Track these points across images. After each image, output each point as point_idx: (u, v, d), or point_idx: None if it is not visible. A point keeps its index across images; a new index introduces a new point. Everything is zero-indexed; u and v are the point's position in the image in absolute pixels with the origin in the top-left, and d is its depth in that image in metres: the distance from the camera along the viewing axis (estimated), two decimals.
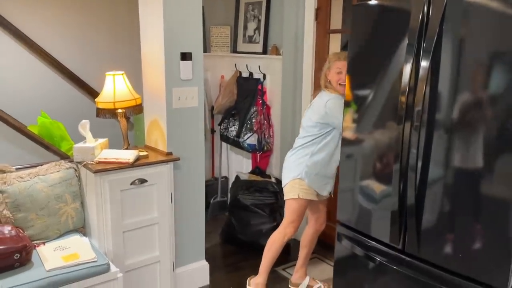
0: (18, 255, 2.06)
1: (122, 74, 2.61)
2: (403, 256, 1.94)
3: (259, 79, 3.72)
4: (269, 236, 3.38)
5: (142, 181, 2.52)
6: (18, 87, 3.24)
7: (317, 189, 2.66)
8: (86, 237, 2.52)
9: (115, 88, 2.54)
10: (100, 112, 2.58)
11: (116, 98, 2.53)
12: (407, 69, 1.81)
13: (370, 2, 2.04)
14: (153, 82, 2.72)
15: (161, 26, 2.54)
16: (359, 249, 2.16)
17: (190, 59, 2.66)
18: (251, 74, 3.82)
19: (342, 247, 2.27)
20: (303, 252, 2.97)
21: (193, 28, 2.66)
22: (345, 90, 2.24)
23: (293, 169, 2.66)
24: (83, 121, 2.55)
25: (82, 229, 2.58)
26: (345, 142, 2.22)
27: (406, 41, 1.82)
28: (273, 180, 3.58)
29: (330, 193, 2.75)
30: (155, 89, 2.70)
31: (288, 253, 3.44)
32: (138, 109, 2.65)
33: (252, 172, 3.79)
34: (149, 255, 2.64)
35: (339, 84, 2.56)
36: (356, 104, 2.15)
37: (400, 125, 1.86)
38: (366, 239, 2.12)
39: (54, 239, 2.40)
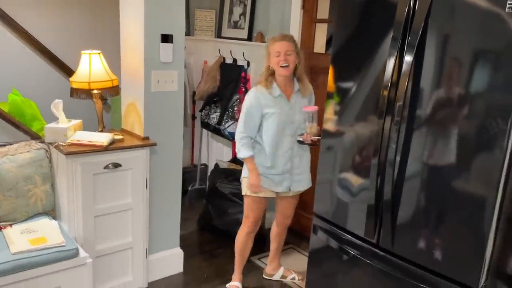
0: None
1: (99, 53, 2.52)
2: (377, 250, 1.92)
3: (243, 66, 3.65)
4: None
5: (116, 165, 2.44)
6: None
7: (267, 187, 2.56)
8: (55, 220, 2.45)
9: (90, 67, 2.44)
10: (74, 92, 2.49)
11: (92, 78, 2.44)
12: (391, 63, 1.77)
13: None
14: (132, 63, 2.63)
15: (141, 6, 2.45)
16: (334, 242, 2.14)
17: (171, 41, 2.57)
18: (235, 60, 3.75)
19: (318, 239, 2.25)
20: (273, 245, 2.95)
21: (175, 9, 2.57)
22: (287, 71, 2.37)
23: (244, 167, 2.62)
24: (56, 100, 2.46)
25: (52, 212, 2.50)
26: (325, 134, 2.19)
27: (390, 35, 1.78)
28: None
29: (290, 188, 2.61)
30: (134, 71, 2.62)
31: (264, 243, 3.42)
32: (114, 90, 2.57)
33: (232, 161, 3.74)
34: (122, 241, 2.58)
35: (281, 66, 2.40)
36: (338, 96, 2.11)
37: (381, 120, 1.83)
38: (342, 232, 2.10)
39: (22, 221, 2.32)
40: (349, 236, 2.05)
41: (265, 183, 2.55)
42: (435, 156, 1.70)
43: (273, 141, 2.48)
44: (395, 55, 1.76)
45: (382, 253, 1.90)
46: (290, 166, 2.54)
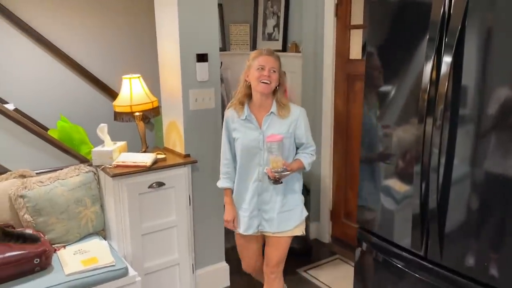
0: (38, 260, 2.09)
1: (139, 77, 2.61)
2: (425, 263, 1.85)
3: None
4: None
5: (160, 184, 2.51)
6: (40, 89, 3.30)
7: (238, 228, 2.26)
8: (106, 240, 2.55)
9: (131, 91, 2.54)
10: (118, 116, 2.59)
11: (133, 102, 2.53)
12: (429, 65, 1.72)
13: (388, 0, 1.95)
14: (170, 84, 2.71)
15: (176, 28, 2.52)
16: (379, 254, 2.09)
17: (206, 60, 2.63)
18: None
19: (362, 252, 2.20)
20: None
21: (209, 29, 2.62)
22: (267, 89, 2.07)
23: None
24: (101, 124, 2.57)
25: (102, 231, 2.60)
26: (364, 142, 2.15)
27: (426, 36, 1.73)
28: None
29: (260, 231, 2.22)
30: (172, 91, 2.69)
31: (310, 254, 3.39)
32: (154, 111, 2.65)
33: None
34: (168, 258, 2.64)
35: (260, 82, 2.07)
36: (376, 101, 2.07)
37: (421, 124, 1.77)
38: (387, 244, 2.04)
39: (74, 242, 2.43)
40: (395, 248, 1.99)
41: (239, 223, 2.24)
42: (485, 161, 1.61)
43: (240, 171, 2.19)
44: (432, 57, 1.70)
45: (430, 265, 1.83)
46: (256, 201, 2.17)
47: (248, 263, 2.41)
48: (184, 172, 2.60)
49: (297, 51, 3.53)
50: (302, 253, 3.36)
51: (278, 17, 3.72)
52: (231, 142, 2.22)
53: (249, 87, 2.16)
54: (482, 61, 1.59)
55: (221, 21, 3.96)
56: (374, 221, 2.13)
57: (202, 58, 2.61)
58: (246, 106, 2.16)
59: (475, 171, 1.64)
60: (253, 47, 4.00)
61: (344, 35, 3.25)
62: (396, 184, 1.99)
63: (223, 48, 3.97)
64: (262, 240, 2.33)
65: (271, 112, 2.13)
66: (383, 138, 2.04)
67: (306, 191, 3.53)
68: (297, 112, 2.17)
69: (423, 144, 1.77)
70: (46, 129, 3.18)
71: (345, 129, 3.36)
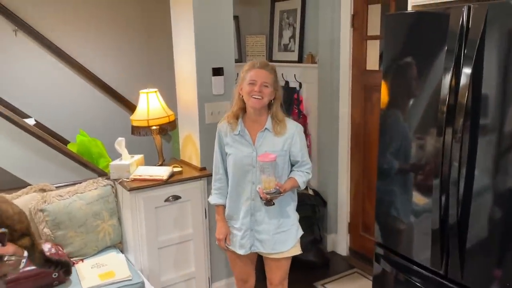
0: (57, 274, 2.12)
1: (155, 91, 2.64)
2: (446, 282, 1.81)
3: (295, 88, 3.65)
4: (307, 250, 3.31)
5: (176, 197, 2.52)
6: (60, 103, 3.36)
7: (231, 246, 2.18)
8: (123, 252, 2.57)
9: (148, 105, 2.57)
10: (135, 130, 2.62)
11: (150, 116, 2.55)
12: (447, 76, 1.69)
13: (405, 12, 1.94)
14: (186, 97, 2.73)
15: (192, 42, 2.55)
16: (398, 272, 2.05)
17: (222, 74, 2.64)
18: (287, 83, 3.76)
19: (381, 269, 2.16)
20: None
21: (224, 42, 2.64)
22: (258, 104, 1.97)
23: None
24: (119, 138, 2.60)
25: (119, 244, 2.63)
26: (382, 153, 2.12)
27: (444, 48, 1.71)
28: (310, 192, 3.50)
29: (251, 248, 2.12)
30: (188, 105, 2.71)
31: (327, 266, 3.35)
32: (171, 125, 2.67)
33: None
34: (185, 271, 2.65)
35: (251, 96, 1.98)
36: (392, 113, 2.05)
37: (441, 136, 1.74)
38: (406, 262, 2.00)
39: (92, 255, 2.45)
40: (414, 266, 1.95)
41: (231, 240, 2.17)
42: (507, 172, 1.56)
43: (232, 188, 2.11)
44: (451, 68, 1.68)
45: (451, 284, 1.78)
46: (249, 220, 2.08)
47: (240, 279, 2.31)
48: (200, 185, 2.61)
49: (313, 62, 3.52)
50: (319, 266, 3.32)
51: (294, 28, 3.72)
52: (224, 156, 2.14)
53: (243, 100, 2.06)
54: (503, 72, 1.56)
55: (237, 33, 3.99)
56: (392, 236, 2.10)
57: (217, 72, 2.63)
58: (240, 121, 2.07)
59: (497, 183, 1.60)
60: (269, 58, 4.00)
61: (360, 46, 3.22)
62: (414, 198, 1.96)
63: (239, 60, 3.99)
64: (256, 258, 2.26)
65: (265, 129, 2.04)
66: (400, 150, 2.00)
67: (322, 202, 3.50)
68: (293, 129, 2.07)
69: (443, 156, 1.74)
70: (66, 142, 3.24)
71: (363, 140, 3.33)
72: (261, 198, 1.99)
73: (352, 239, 3.55)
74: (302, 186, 2.11)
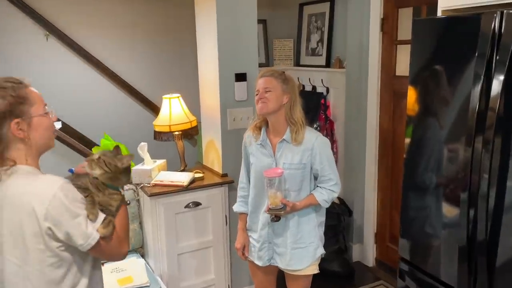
0: None
1: (178, 97, 2.63)
2: None
3: (322, 93, 3.58)
4: (331, 260, 3.23)
5: (197, 204, 2.51)
6: (88, 106, 3.42)
7: (250, 257, 2.15)
8: (144, 257, 2.57)
9: (171, 111, 2.56)
10: (157, 135, 2.62)
11: (172, 121, 2.55)
12: (478, 83, 1.59)
13: (434, 17, 1.84)
14: (209, 103, 2.71)
15: (215, 48, 2.53)
16: None
17: (245, 79, 2.61)
18: (314, 87, 3.69)
19: (404, 285, 2.06)
20: None
21: (248, 48, 2.61)
22: (262, 109, 1.93)
23: None
24: (142, 143, 2.61)
25: (140, 249, 2.64)
26: (407, 165, 2.02)
27: (475, 53, 1.61)
28: (335, 200, 3.41)
29: (270, 261, 2.07)
30: (211, 110, 2.69)
31: (352, 278, 3.25)
32: (193, 131, 2.66)
33: None
34: (204, 278, 2.63)
35: (257, 104, 1.97)
36: (420, 120, 1.95)
37: (470, 146, 1.64)
38: (431, 280, 1.90)
39: None
40: (441, 286, 1.85)
41: (250, 251, 2.13)
42: None
43: (252, 198, 2.08)
44: (482, 74, 1.58)
45: None
46: (266, 232, 2.03)
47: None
48: (220, 192, 2.59)
49: (341, 66, 3.43)
50: (344, 277, 3.24)
51: (322, 32, 3.64)
52: (248, 165, 2.12)
53: None
54: None
55: (264, 37, 3.95)
56: (417, 252, 2.00)
57: (241, 77, 2.59)
58: (263, 130, 2.03)
59: None
60: (297, 62, 3.94)
61: (390, 51, 3.11)
62: (441, 212, 1.86)
63: (266, 64, 3.95)
64: (276, 269, 2.18)
65: (283, 139, 1.97)
66: (427, 161, 1.90)
67: (348, 211, 3.40)
68: (312, 140, 1.97)
69: (471, 167, 1.64)
70: (94, 144, 3.28)
71: (391, 148, 3.21)
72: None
73: (379, 250, 3.43)
74: (324, 205, 2.01)
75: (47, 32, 3.22)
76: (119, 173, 1.31)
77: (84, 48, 3.35)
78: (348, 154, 3.46)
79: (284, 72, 2.03)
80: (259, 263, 2.09)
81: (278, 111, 1.95)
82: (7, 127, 1.19)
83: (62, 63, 3.32)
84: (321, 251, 2.11)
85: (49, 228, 1.16)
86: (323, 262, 3.14)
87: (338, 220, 3.27)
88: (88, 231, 1.19)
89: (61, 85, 3.30)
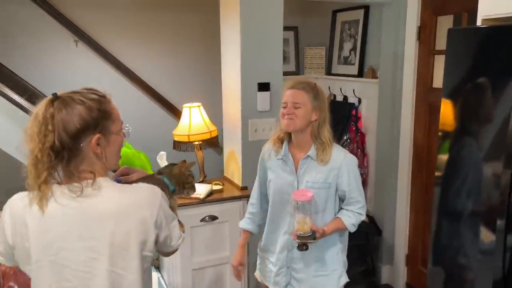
0: None
1: (198, 106, 2.56)
2: None
3: (354, 103, 3.41)
4: (357, 282, 3.04)
5: (213, 218, 2.41)
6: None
7: (263, 279, 2.02)
8: (159, 270, 2.50)
9: (190, 120, 2.49)
10: (176, 145, 2.56)
11: (191, 131, 2.48)
12: None
13: (471, 27, 1.67)
14: (231, 112, 2.62)
15: (238, 56, 2.44)
16: None
17: (268, 89, 2.50)
18: (345, 98, 3.53)
19: None
20: None
21: (272, 57, 2.52)
22: (288, 126, 1.78)
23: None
24: (161, 152, 2.55)
25: (156, 261, 2.57)
26: (439, 185, 1.84)
27: None
28: (364, 218, 3.22)
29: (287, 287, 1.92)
30: (233, 120, 2.60)
31: None
32: (212, 142, 2.57)
33: None
34: None
35: (283, 119, 1.81)
36: (454, 137, 1.78)
37: (508, 169, 1.45)
38: None
39: None
40: None
41: (262, 273, 2.01)
42: None
43: (270, 218, 1.93)
44: None
45: None
46: (286, 256, 1.88)
47: None
48: (238, 206, 2.48)
49: (374, 76, 3.26)
50: None
51: (356, 40, 3.48)
52: (264, 181, 1.97)
53: None
54: None
55: (295, 44, 3.83)
56: (447, 284, 1.81)
57: (263, 87, 2.49)
58: (285, 144, 1.87)
59: None
60: (328, 71, 3.79)
61: (427, 61, 2.91)
62: (475, 240, 1.66)
63: (297, 72, 3.83)
64: None
65: (308, 156, 1.82)
66: (460, 182, 1.72)
67: (377, 231, 3.20)
68: (340, 159, 1.82)
69: (510, 193, 1.45)
70: None
71: (426, 165, 2.99)
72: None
73: (410, 273, 3.21)
74: (352, 229, 1.86)
75: (77, 38, 3.25)
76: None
77: (113, 54, 3.36)
78: (380, 169, 3.27)
79: (316, 84, 1.87)
80: (275, 286, 1.94)
81: (306, 128, 1.81)
82: (87, 141, 1.14)
83: (91, 68, 3.34)
84: (345, 279, 1.95)
85: (157, 235, 1.19)
86: (348, 284, 2.97)
87: (366, 240, 3.09)
88: (179, 232, 1.27)
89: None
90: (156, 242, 1.19)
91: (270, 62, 2.50)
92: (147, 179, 1.30)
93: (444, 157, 1.90)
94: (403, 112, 3.08)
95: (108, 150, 1.17)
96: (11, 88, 2.80)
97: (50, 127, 1.10)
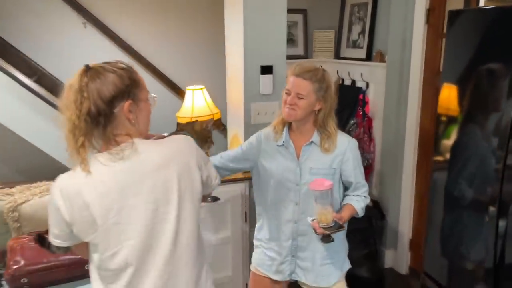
0: (88, 266, 2.15)
1: (201, 89, 2.57)
2: None
3: (361, 88, 3.38)
4: (359, 265, 3.06)
5: (215, 199, 2.44)
6: None
7: (264, 271, 1.95)
8: None
9: (193, 103, 2.51)
10: (179, 127, 2.58)
11: (194, 113, 2.50)
12: None
13: (474, 8, 1.63)
14: (234, 96, 2.63)
15: (241, 38, 2.43)
16: None
17: (271, 72, 2.49)
18: (353, 82, 3.49)
19: None
20: None
21: (276, 39, 2.49)
22: (290, 117, 1.72)
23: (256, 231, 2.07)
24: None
25: None
26: (438, 170, 1.84)
27: None
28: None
29: (292, 275, 1.90)
30: (235, 103, 2.61)
31: (381, 285, 3.07)
32: (216, 124, 2.59)
33: None
34: (221, 274, 2.57)
35: (285, 107, 1.74)
36: (461, 120, 1.77)
37: (503, 152, 1.44)
38: None
39: None
40: None
41: (263, 264, 1.95)
42: None
43: (271, 207, 1.87)
44: None
45: None
46: (290, 245, 1.85)
47: None
48: (240, 188, 2.51)
49: (382, 60, 3.22)
50: (372, 283, 3.06)
51: (364, 23, 3.43)
52: (244, 153, 1.88)
53: None
54: None
55: (304, 27, 3.79)
56: (440, 270, 1.82)
57: (266, 70, 2.48)
58: (285, 130, 1.82)
59: None
60: (337, 54, 3.75)
61: (435, 45, 2.86)
62: (468, 226, 1.67)
63: (305, 56, 3.79)
64: (287, 286, 2.01)
65: (312, 142, 1.78)
66: (459, 167, 1.72)
67: (380, 215, 3.21)
68: (345, 144, 1.79)
69: (503, 177, 1.44)
70: None
71: (432, 151, 2.96)
72: (315, 232, 1.69)
73: (413, 258, 3.21)
74: (361, 213, 1.82)
75: (85, 20, 3.28)
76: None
77: (120, 36, 3.39)
78: (385, 154, 3.26)
79: (324, 72, 1.78)
80: (277, 277, 1.91)
81: (308, 117, 1.76)
82: (120, 107, 1.22)
83: (99, 50, 3.37)
84: (347, 265, 1.95)
85: (200, 176, 1.31)
86: (351, 267, 2.99)
87: (369, 223, 3.09)
88: (215, 171, 1.42)
89: None
90: (202, 182, 1.31)
91: (273, 45, 2.48)
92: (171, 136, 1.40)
93: (446, 142, 1.89)
94: (410, 97, 3.04)
95: (139, 116, 1.26)
96: (21, 69, 2.86)
97: (85, 94, 1.17)
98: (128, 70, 1.25)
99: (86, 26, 3.29)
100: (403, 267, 3.25)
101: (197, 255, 1.33)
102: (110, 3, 3.32)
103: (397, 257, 3.29)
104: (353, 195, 1.83)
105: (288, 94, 1.73)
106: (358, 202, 1.81)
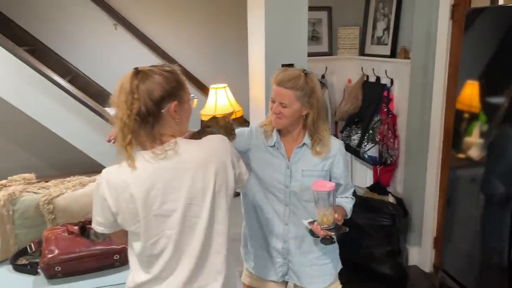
0: (118, 256, 2.26)
1: (224, 87, 2.65)
2: None
3: (386, 84, 3.37)
4: (383, 262, 3.07)
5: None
6: None
7: (255, 272, 1.90)
8: None
9: (216, 101, 2.59)
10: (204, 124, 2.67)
11: (217, 111, 2.58)
12: None
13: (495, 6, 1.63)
14: (256, 94, 2.69)
15: (262, 37, 2.49)
16: None
17: None
18: (378, 78, 3.49)
19: None
20: None
21: (297, 38, 2.53)
22: (277, 124, 1.71)
23: None
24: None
25: None
26: (466, 163, 1.83)
27: None
28: (391, 200, 3.22)
29: (285, 277, 1.85)
30: (258, 102, 2.67)
31: (404, 283, 3.07)
32: (238, 121, 2.66)
33: (370, 188, 3.47)
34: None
35: (273, 113, 1.71)
36: (485, 115, 1.76)
37: None
38: None
39: None
40: None
41: (261, 269, 1.88)
42: None
43: (259, 208, 1.82)
44: None
45: None
46: (281, 247, 1.80)
47: None
48: None
49: (406, 57, 3.20)
50: (395, 280, 3.07)
51: (389, 20, 3.41)
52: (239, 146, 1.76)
53: None
54: None
55: (329, 24, 3.81)
56: (459, 267, 1.82)
57: None
58: (275, 132, 1.77)
59: None
60: (361, 51, 3.75)
61: (460, 41, 2.81)
62: (485, 224, 1.66)
63: (329, 53, 3.81)
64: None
65: (304, 144, 1.75)
66: (491, 159, 1.71)
67: (403, 212, 3.20)
68: (336, 146, 1.76)
69: None
70: None
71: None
72: (312, 234, 1.68)
73: (437, 256, 3.19)
74: (350, 215, 1.80)
75: (116, 22, 3.42)
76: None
77: (149, 37, 3.52)
78: (409, 151, 3.24)
79: (307, 77, 1.69)
80: (271, 275, 1.87)
81: (297, 122, 1.74)
82: (167, 108, 1.30)
83: (129, 50, 3.51)
84: (340, 266, 1.92)
85: (234, 173, 1.39)
86: (373, 263, 3.00)
87: (393, 221, 3.09)
88: (246, 168, 1.48)
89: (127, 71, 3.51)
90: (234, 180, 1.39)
91: (294, 43, 2.53)
92: (202, 133, 1.50)
93: (469, 140, 1.88)
94: (434, 94, 3.02)
95: (183, 116, 1.35)
96: (58, 71, 3.02)
97: (136, 96, 1.26)
98: (174, 73, 1.33)
99: (116, 27, 3.43)
100: (427, 265, 3.23)
101: (227, 245, 1.42)
102: (139, 6, 3.45)
103: (421, 255, 3.27)
104: (342, 197, 1.82)
105: (273, 102, 1.72)
106: (348, 203, 1.80)
